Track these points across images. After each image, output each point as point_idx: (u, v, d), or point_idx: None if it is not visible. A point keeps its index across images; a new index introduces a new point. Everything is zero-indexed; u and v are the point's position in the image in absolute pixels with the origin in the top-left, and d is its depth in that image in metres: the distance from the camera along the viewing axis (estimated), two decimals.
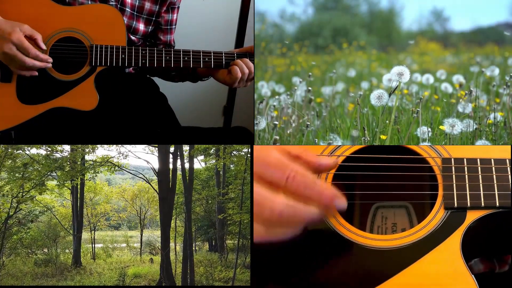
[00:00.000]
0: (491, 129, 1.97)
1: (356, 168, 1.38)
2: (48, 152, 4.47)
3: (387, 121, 1.85)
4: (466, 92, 2.19)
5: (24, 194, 4.32)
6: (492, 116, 1.99)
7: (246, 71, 1.85)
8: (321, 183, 1.20)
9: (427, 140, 1.76)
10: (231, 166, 5.01)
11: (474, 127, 1.85)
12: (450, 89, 2.60)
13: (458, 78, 2.66)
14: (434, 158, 1.34)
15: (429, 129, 1.79)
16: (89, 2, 1.87)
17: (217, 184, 5.14)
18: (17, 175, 4.28)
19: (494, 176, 1.28)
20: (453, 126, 1.71)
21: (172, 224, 4.75)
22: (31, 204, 4.61)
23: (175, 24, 2.14)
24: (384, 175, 1.36)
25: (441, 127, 1.76)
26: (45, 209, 4.79)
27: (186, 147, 4.57)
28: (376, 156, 1.37)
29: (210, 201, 5.09)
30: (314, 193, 1.17)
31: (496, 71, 2.61)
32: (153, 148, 4.49)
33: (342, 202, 1.19)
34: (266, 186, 1.18)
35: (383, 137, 1.74)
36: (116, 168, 4.68)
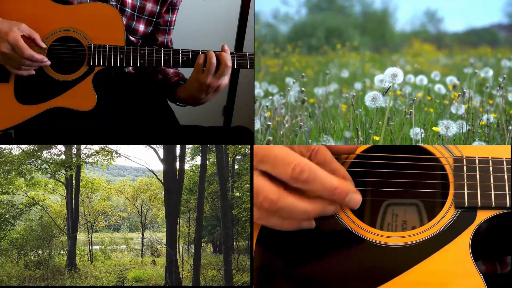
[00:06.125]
0: (484, 130, 1.97)
1: (368, 165, 1.38)
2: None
3: (380, 122, 1.85)
4: (459, 93, 2.19)
5: None
6: (485, 117, 1.99)
7: (214, 61, 1.79)
8: (339, 169, 1.23)
9: (420, 141, 1.75)
10: (236, 164, 4.91)
11: (467, 128, 1.85)
12: (443, 90, 2.60)
13: (451, 79, 2.66)
14: (447, 157, 1.34)
15: (422, 130, 1.78)
16: (88, 1, 1.86)
17: (225, 179, 4.98)
18: None
19: (506, 176, 1.28)
20: (448, 127, 1.71)
21: (181, 222, 4.57)
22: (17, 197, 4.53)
23: (173, 25, 2.12)
24: (395, 173, 1.36)
25: (435, 128, 1.76)
26: (32, 203, 4.69)
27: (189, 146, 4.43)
28: (387, 155, 1.37)
29: (215, 199, 4.93)
30: (327, 184, 1.18)
31: (490, 72, 2.62)
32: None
33: (356, 198, 1.20)
34: (271, 179, 1.21)
35: (376, 138, 1.74)
36: (114, 154, 4.53)
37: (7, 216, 4.46)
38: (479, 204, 1.25)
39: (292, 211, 1.20)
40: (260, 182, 1.20)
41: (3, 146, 4.15)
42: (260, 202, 1.19)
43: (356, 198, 1.20)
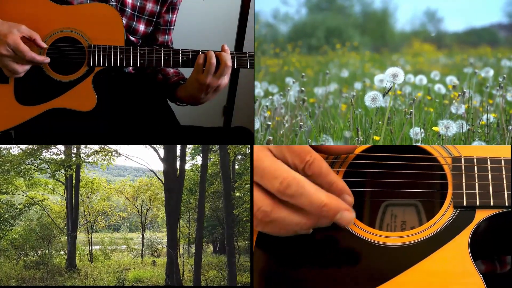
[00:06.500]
0: (484, 130, 1.97)
1: (367, 165, 1.38)
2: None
3: (379, 122, 1.84)
4: (459, 93, 2.19)
5: None
6: (485, 117, 1.99)
7: (213, 61, 1.80)
8: (336, 182, 1.20)
9: (420, 141, 1.75)
10: (237, 164, 4.88)
11: (467, 128, 1.85)
12: (443, 90, 2.60)
13: (451, 79, 2.66)
14: (445, 157, 1.34)
15: (422, 130, 1.78)
16: (88, 1, 1.85)
17: (226, 179, 4.94)
18: None
19: (504, 176, 1.28)
20: (448, 127, 1.71)
21: (181, 222, 4.52)
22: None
23: (174, 25, 2.12)
24: (394, 174, 1.36)
25: (435, 128, 1.76)
26: (32, 203, 4.66)
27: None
28: (386, 155, 1.37)
29: (216, 199, 4.93)
30: (315, 200, 1.17)
31: (491, 72, 2.62)
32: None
33: (347, 216, 1.18)
34: (264, 190, 1.20)
35: (376, 138, 1.74)
36: (114, 154, 4.49)
37: (6, 216, 4.45)
38: (478, 203, 1.25)
39: (286, 223, 1.20)
40: (256, 192, 1.20)
41: (2, 145, 4.14)
42: (255, 212, 1.19)
43: (347, 216, 1.18)
